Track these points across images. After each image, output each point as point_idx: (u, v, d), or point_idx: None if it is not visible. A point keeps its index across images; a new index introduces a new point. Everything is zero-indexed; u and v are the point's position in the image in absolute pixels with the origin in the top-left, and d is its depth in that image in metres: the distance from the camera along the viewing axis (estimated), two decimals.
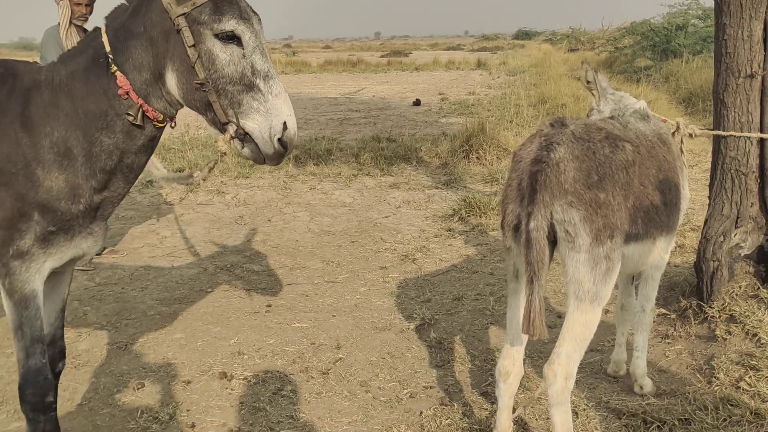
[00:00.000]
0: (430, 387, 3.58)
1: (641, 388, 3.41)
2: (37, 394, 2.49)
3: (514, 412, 3.00)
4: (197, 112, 2.40)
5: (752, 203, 3.92)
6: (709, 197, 4.12)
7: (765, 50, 3.80)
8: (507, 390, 2.87)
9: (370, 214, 6.98)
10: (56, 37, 5.18)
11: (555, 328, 4.07)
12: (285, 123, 2.29)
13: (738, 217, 3.93)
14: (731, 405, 3.13)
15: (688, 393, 3.31)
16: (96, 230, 2.53)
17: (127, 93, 2.35)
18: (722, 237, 3.94)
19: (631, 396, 3.40)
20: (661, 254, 3.20)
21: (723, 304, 3.86)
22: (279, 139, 2.29)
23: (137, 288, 5.05)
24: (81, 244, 2.50)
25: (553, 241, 2.70)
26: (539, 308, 2.52)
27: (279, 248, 5.96)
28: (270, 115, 2.28)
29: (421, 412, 3.31)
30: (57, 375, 2.78)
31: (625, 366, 3.61)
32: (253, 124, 2.29)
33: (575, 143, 2.69)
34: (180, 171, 8.56)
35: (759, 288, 3.87)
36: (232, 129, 2.32)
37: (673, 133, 3.61)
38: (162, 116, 2.42)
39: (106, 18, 2.45)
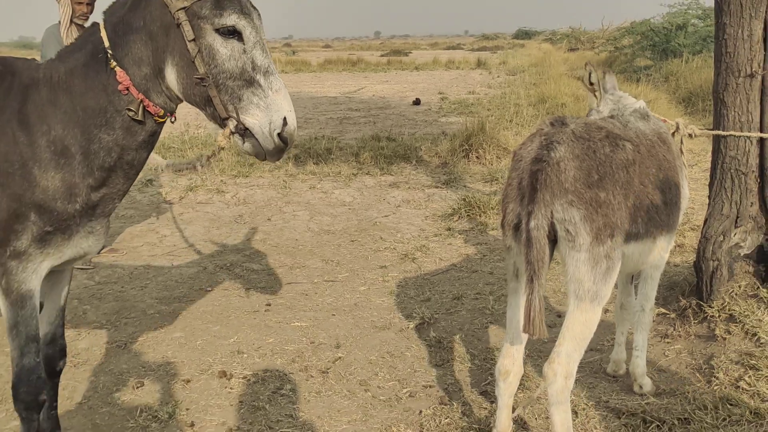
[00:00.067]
0: (430, 386, 3.58)
1: (641, 387, 3.41)
2: (31, 393, 2.48)
3: (513, 411, 3.00)
4: (196, 107, 2.39)
5: (752, 203, 3.92)
6: (709, 197, 4.12)
7: (765, 50, 3.80)
8: (507, 389, 2.87)
9: (369, 213, 6.98)
10: (57, 36, 5.16)
11: (555, 328, 4.06)
12: (285, 118, 2.28)
13: (738, 217, 3.93)
14: (731, 404, 3.13)
15: (688, 392, 3.31)
16: (97, 228, 2.51)
17: (127, 88, 2.33)
18: (722, 236, 3.94)
19: (631, 395, 3.40)
20: (661, 253, 3.20)
21: (722, 304, 3.86)
22: (279, 135, 2.28)
23: (137, 287, 5.05)
24: (81, 244, 2.48)
25: (553, 240, 2.70)
26: (539, 307, 2.51)
27: (279, 247, 5.96)
28: (270, 110, 2.28)
29: (421, 411, 3.31)
30: (58, 373, 2.78)
31: (624, 365, 3.61)
32: (253, 119, 2.28)
33: (576, 142, 2.69)
34: (180, 169, 8.54)
35: (758, 287, 3.87)
36: (232, 124, 2.31)
37: (673, 134, 3.61)
38: (162, 111, 2.40)
39: (105, 13, 2.43)
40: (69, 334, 4.09)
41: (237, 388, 3.57)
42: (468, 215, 6.61)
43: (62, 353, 2.77)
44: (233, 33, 2.28)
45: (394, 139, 10.46)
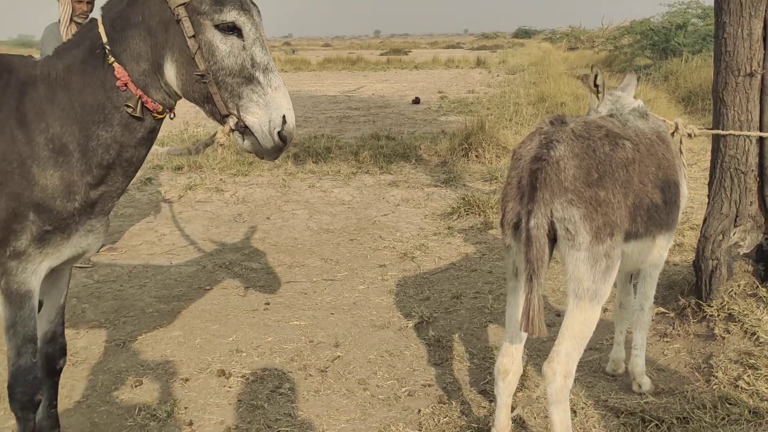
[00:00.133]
0: (429, 385, 3.58)
1: (640, 386, 3.41)
2: (27, 393, 2.47)
3: (512, 410, 3.00)
4: (195, 104, 2.37)
5: (751, 202, 3.92)
6: (709, 196, 4.12)
7: (765, 49, 3.80)
8: (506, 388, 2.86)
9: (369, 212, 6.97)
10: (56, 34, 5.15)
11: (554, 326, 4.06)
12: (284, 116, 2.27)
13: (737, 216, 3.93)
14: (729, 404, 3.13)
15: (687, 391, 3.31)
16: (97, 227, 2.49)
17: (126, 84, 2.32)
18: (721, 236, 3.94)
19: (630, 394, 3.40)
20: (660, 252, 3.19)
21: (722, 303, 3.86)
22: (278, 133, 2.28)
23: (136, 285, 5.04)
24: (80, 243, 2.46)
25: (552, 239, 2.70)
26: (538, 306, 2.51)
27: (278, 246, 5.95)
28: (269, 108, 2.27)
29: (420, 410, 3.31)
30: (58, 372, 2.76)
31: (623, 364, 3.61)
32: (252, 117, 2.27)
33: (575, 141, 2.69)
34: (179, 168, 8.56)
35: (758, 287, 3.87)
36: (232, 121, 2.30)
37: (673, 134, 3.60)
38: (161, 107, 2.38)
39: (103, 9, 2.42)
40: (68, 332, 4.05)
41: (236, 386, 3.56)
42: (467, 214, 6.60)
43: (62, 352, 2.75)
44: (233, 29, 2.27)
45: (393, 138, 10.45)
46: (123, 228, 6.42)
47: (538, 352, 3.83)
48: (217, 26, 2.26)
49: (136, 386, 3.57)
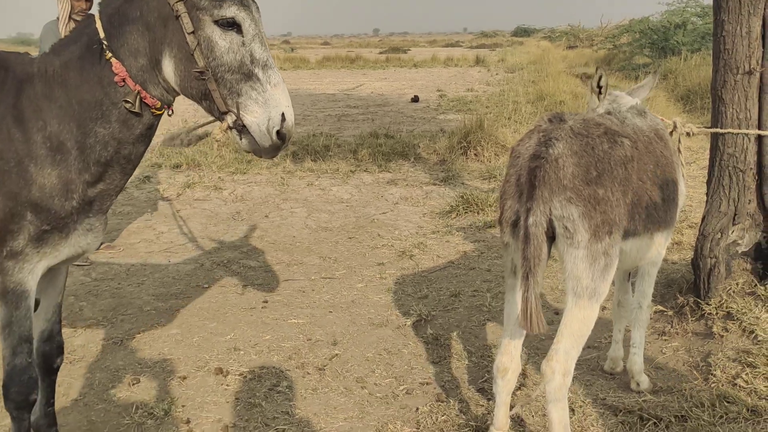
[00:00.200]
0: (427, 383, 3.57)
1: (638, 384, 3.41)
2: (22, 393, 2.46)
3: (511, 409, 2.99)
4: (193, 101, 2.35)
5: (750, 200, 3.91)
6: (707, 194, 4.11)
7: (763, 47, 3.79)
8: (505, 386, 2.86)
9: (367, 211, 6.96)
10: (55, 31, 5.13)
11: (552, 325, 4.06)
12: (283, 114, 2.26)
13: (735, 214, 3.93)
14: (728, 402, 3.12)
15: (685, 390, 3.31)
16: (96, 225, 2.48)
17: (124, 80, 2.30)
18: (720, 234, 3.94)
19: (628, 393, 3.39)
20: (658, 250, 3.19)
21: (720, 301, 3.85)
22: (277, 132, 2.26)
23: (133, 283, 5.03)
24: (79, 242, 2.44)
25: (551, 237, 2.69)
26: (535, 303, 2.51)
27: (276, 244, 5.94)
28: (268, 106, 2.25)
29: (418, 409, 3.30)
30: (55, 370, 2.75)
31: (621, 363, 3.60)
32: (251, 117, 2.25)
33: (574, 139, 2.68)
34: (178, 166, 8.55)
35: (756, 285, 3.86)
36: (230, 119, 2.28)
37: (671, 132, 3.60)
38: (160, 103, 2.37)
39: (100, 4, 2.40)
40: (65, 330, 4.06)
41: (233, 385, 3.55)
42: (466, 212, 6.60)
43: (59, 350, 2.74)
44: (232, 25, 2.25)
45: (392, 136, 10.45)
46: (121, 226, 6.41)
47: (536, 351, 3.83)
48: (216, 22, 2.24)
49: (133, 384, 3.57)
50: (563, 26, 46.79)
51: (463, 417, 3.20)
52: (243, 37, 2.27)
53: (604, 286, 2.65)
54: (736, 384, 3.29)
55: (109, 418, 3.27)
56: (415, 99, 15.73)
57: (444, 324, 4.27)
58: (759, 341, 3.55)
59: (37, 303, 2.60)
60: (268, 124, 2.25)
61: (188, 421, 3.22)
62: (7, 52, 2.49)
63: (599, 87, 3.38)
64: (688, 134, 3.78)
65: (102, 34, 2.32)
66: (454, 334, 4.13)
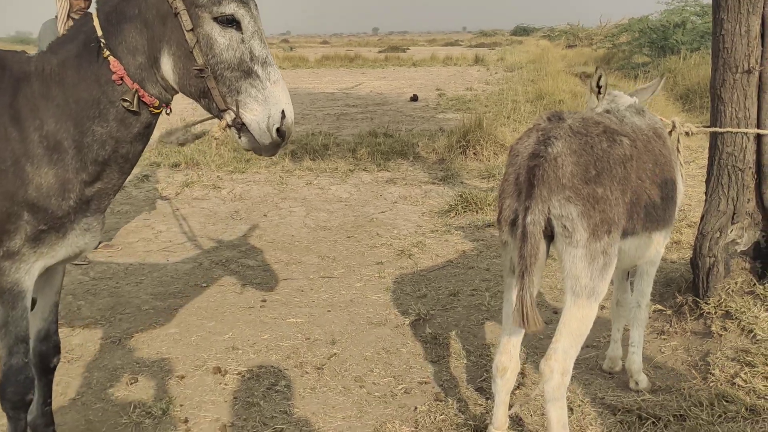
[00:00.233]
0: (425, 382, 3.57)
1: (637, 384, 3.41)
2: (18, 393, 2.45)
3: (510, 408, 2.99)
4: (192, 99, 2.34)
5: (749, 199, 3.91)
6: (706, 193, 4.11)
7: (762, 45, 3.79)
8: (504, 386, 2.85)
9: (366, 210, 6.96)
10: (54, 30, 5.11)
11: (551, 324, 4.05)
12: (283, 111, 2.25)
13: (734, 213, 3.92)
14: (726, 401, 3.12)
15: (684, 389, 3.31)
16: (94, 225, 2.46)
17: (122, 78, 2.28)
18: (718, 233, 3.93)
19: (627, 392, 3.39)
20: (657, 249, 3.19)
21: (719, 300, 3.85)
22: (277, 129, 2.25)
23: (132, 282, 5.03)
24: (77, 242, 2.43)
25: (549, 237, 2.69)
26: (530, 301, 2.50)
27: (274, 243, 5.94)
28: (268, 103, 2.24)
29: (416, 408, 3.30)
30: (52, 370, 2.74)
31: (620, 362, 3.60)
32: (251, 115, 2.24)
33: (573, 137, 2.68)
34: (176, 165, 8.54)
35: (755, 284, 3.86)
36: (229, 117, 2.27)
37: (670, 132, 3.60)
38: (158, 102, 2.35)
39: (97, 2, 2.38)
40: (63, 329, 4.08)
41: (231, 384, 3.55)
42: (465, 211, 6.59)
43: (56, 350, 2.73)
44: (231, 22, 2.24)
45: (391, 135, 10.44)
46: (119, 225, 6.41)
47: (535, 350, 3.83)
48: (215, 19, 2.23)
49: (131, 383, 3.56)
50: (562, 25, 46.81)
51: (462, 416, 3.20)
52: (242, 34, 2.25)
53: (602, 285, 2.65)
54: (734, 383, 3.29)
55: (107, 417, 3.26)
56: (414, 98, 15.72)
57: (443, 323, 4.27)
58: (758, 340, 3.55)
59: (33, 302, 2.59)
60: (268, 121, 2.24)
61: (186, 421, 3.22)
62: (4, 51, 2.47)
63: (599, 87, 3.38)
64: (687, 134, 3.77)
65: (99, 32, 2.30)
66: (453, 333, 4.12)
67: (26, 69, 2.34)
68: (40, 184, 2.29)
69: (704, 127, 4.11)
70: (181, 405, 3.35)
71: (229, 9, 2.23)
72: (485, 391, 3.41)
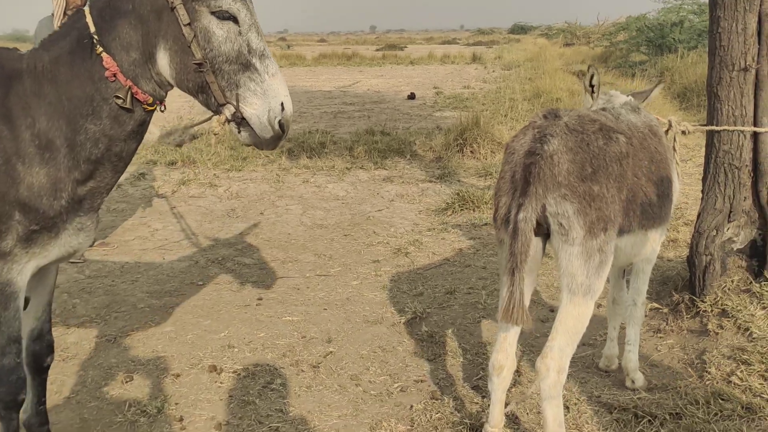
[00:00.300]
0: (421, 381, 3.56)
1: (633, 382, 3.40)
2: (10, 393, 2.44)
3: (506, 406, 2.99)
4: (189, 94, 2.32)
5: (745, 197, 3.91)
6: (702, 191, 4.10)
7: (759, 43, 3.78)
8: (500, 384, 2.84)
9: (363, 208, 6.95)
10: (50, 28, 5.08)
11: (547, 322, 4.05)
12: (282, 104, 2.24)
13: (731, 211, 3.92)
14: (722, 399, 3.12)
15: (680, 387, 3.30)
16: (87, 224, 2.43)
17: (115, 75, 2.26)
18: (715, 231, 3.93)
19: (623, 390, 3.39)
20: (653, 246, 3.19)
21: (715, 299, 3.85)
22: (278, 122, 2.24)
23: (127, 281, 5.01)
24: (70, 242, 2.40)
25: (545, 234, 2.68)
26: (519, 299, 2.50)
27: (271, 241, 5.93)
28: (267, 96, 2.22)
29: (412, 406, 3.29)
30: (45, 369, 2.72)
31: (616, 360, 3.60)
32: (251, 109, 2.22)
33: (569, 135, 2.67)
34: (173, 163, 8.52)
35: (751, 282, 3.86)
36: (228, 112, 2.25)
37: (666, 132, 3.59)
38: (151, 99, 2.33)
39: None
40: (58, 328, 4.07)
41: (227, 382, 3.54)
42: (462, 210, 6.58)
43: (50, 349, 2.71)
44: (229, 14, 2.23)
45: (388, 133, 10.43)
46: (115, 223, 6.39)
47: (531, 348, 3.82)
48: (213, 12, 2.21)
49: (126, 382, 3.55)
50: (560, 24, 46.77)
51: (458, 415, 3.19)
52: (240, 26, 2.24)
53: (599, 283, 2.65)
54: (730, 381, 3.29)
55: (102, 415, 3.25)
56: (412, 96, 15.70)
57: (439, 321, 4.26)
58: (754, 338, 3.55)
59: (26, 301, 2.57)
60: (268, 114, 2.23)
61: (181, 419, 3.21)
62: None
63: (591, 86, 3.39)
64: (683, 132, 3.77)
65: (92, 29, 2.28)
66: (449, 331, 4.11)
67: (18, 66, 2.32)
68: (31, 183, 2.26)
69: (701, 125, 4.11)
70: (177, 403, 3.34)
71: (227, 2, 2.22)
72: (481, 389, 3.40)
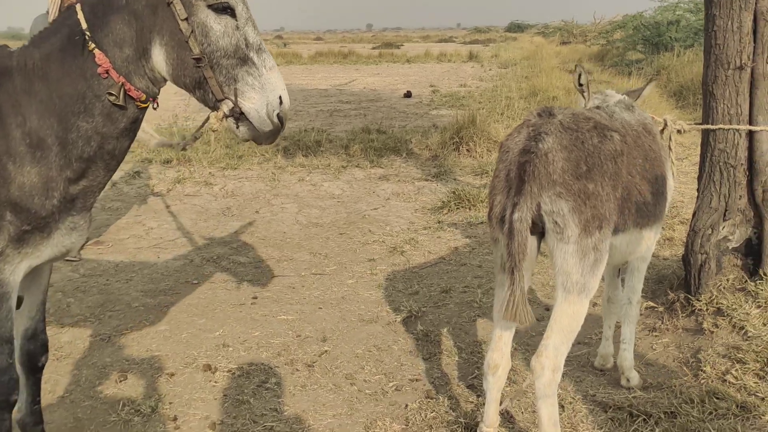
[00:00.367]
0: (416, 380, 3.55)
1: (628, 381, 3.40)
2: (2, 394, 2.41)
3: (501, 403, 2.98)
4: (185, 90, 2.30)
5: (740, 196, 3.91)
6: (698, 190, 4.10)
7: (754, 42, 3.78)
8: (496, 383, 2.84)
9: (358, 206, 6.94)
10: (45, 25, 5.05)
11: (543, 321, 4.05)
12: (280, 97, 2.23)
13: (726, 210, 3.92)
14: (717, 398, 3.12)
15: (675, 386, 3.30)
16: (80, 223, 2.41)
17: (107, 71, 2.24)
18: (710, 230, 3.93)
19: (618, 389, 3.39)
20: (648, 245, 3.18)
21: (710, 297, 3.85)
22: (277, 115, 2.23)
23: (122, 279, 4.99)
24: (63, 241, 2.38)
25: (540, 233, 2.68)
26: (520, 298, 2.49)
27: (266, 240, 5.91)
28: (265, 90, 2.21)
29: (407, 405, 3.29)
30: (40, 369, 2.70)
31: (612, 359, 3.59)
32: (249, 103, 2.21)
33: (563, 133, 2.66)
34: (168, 161, 8.49)
35: (746, 281, 3.86)
36: (226, 107, 2.23)
37: (662, 131, 3.60)
38: (144, 96, 2.30)
39: None
40: (52, 327, 4.05)
41: (221, 381, 3.53)
42: (457, 208, 6.58)
43: (44, 348, 2.69)
44: (226, 9, 2.21)
45: (384, 131, 10.42)
46: (110, 221, 6.36)
47: (526, 347, 3.82)
48: (210, 6, 2.20)
49: (120, 381, 3.53)
50: (557, 22, 46.88)
51: (453, 414, 3.19)
52: (237, 20, 2.22)
53: (594, 281, 2.64)
54: (725, 380, 3.29)
55: (96, 415, 3.23)
56: (408, 94, 15.69)
57: (434, 320, 4.26)
58: (749, 337, 3.55)
59: (20, 300, 2.55)
60: (267, 108, 2.22)
61: (175, 418, 3.20)
62: None
63: (580, 85, 3.39)
64: (679, 131, 3.77)
65: (84, 25, 2.25)
66: (445, 330, 4.11)
67: (8, 64, 2.28)
68: (22, 183, 2.23)
69: (696, 124, 4.11)
70: (171, 403, 3.33)
71: None
72: (476, 388, 3.40)
